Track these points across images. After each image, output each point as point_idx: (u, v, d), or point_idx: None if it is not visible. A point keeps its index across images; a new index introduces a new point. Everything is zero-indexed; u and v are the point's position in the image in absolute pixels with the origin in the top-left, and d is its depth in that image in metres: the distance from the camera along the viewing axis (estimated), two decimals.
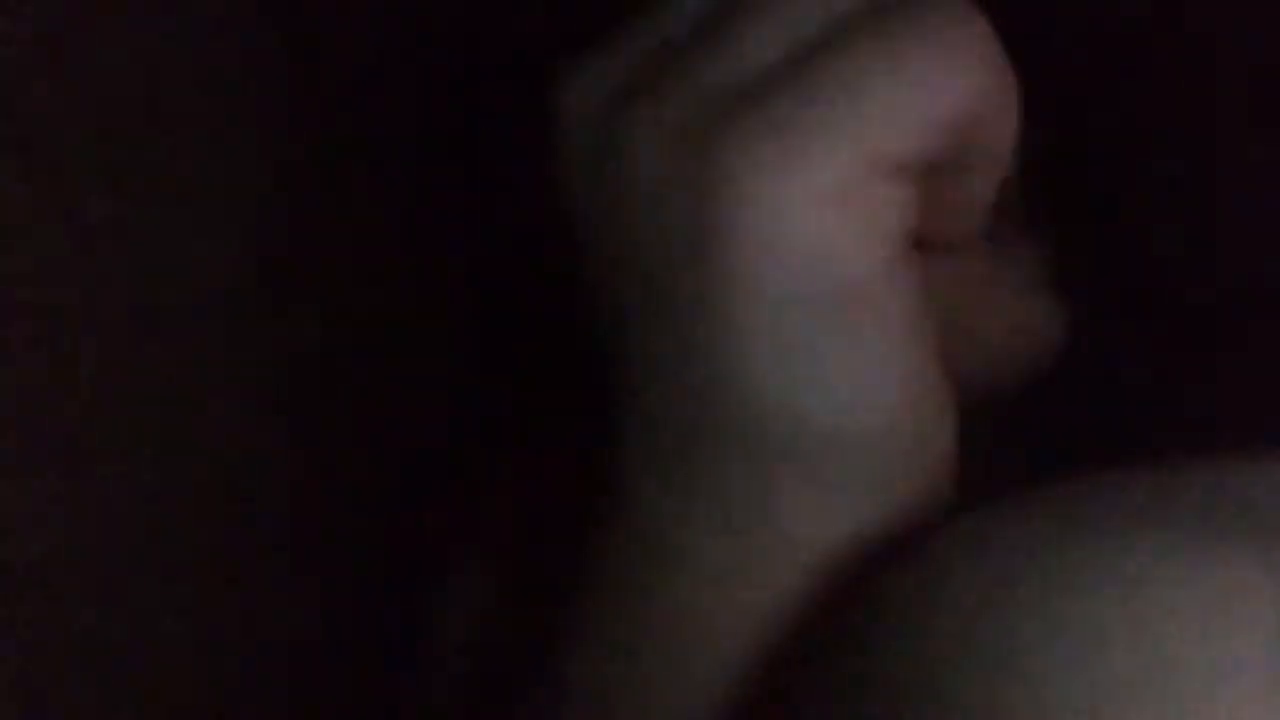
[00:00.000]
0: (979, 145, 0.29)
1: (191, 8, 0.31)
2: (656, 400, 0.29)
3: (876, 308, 0.28)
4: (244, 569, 0.35)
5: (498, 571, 0.44)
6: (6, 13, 0.26)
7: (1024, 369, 0.45)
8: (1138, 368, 0.59)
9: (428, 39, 0.43)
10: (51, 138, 0.28)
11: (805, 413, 0.28)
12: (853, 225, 0.27)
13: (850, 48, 0.27)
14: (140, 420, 0.31)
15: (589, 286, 0.31)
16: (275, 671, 0.37)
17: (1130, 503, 0.23)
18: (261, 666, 0.36)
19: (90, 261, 0.29)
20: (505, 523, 0.45)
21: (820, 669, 0.27)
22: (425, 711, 0.43)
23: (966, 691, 0.22)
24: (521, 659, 0.35)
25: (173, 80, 0.31)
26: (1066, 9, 0.49)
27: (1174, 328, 0.59)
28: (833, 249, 0.27)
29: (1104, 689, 0.21)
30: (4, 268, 0.27)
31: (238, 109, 0.33)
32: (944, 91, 0.27)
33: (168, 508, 0.33)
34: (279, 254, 0.35)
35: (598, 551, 0.31)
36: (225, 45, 0.33)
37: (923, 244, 0.30)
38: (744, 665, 0.29)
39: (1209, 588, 0.21)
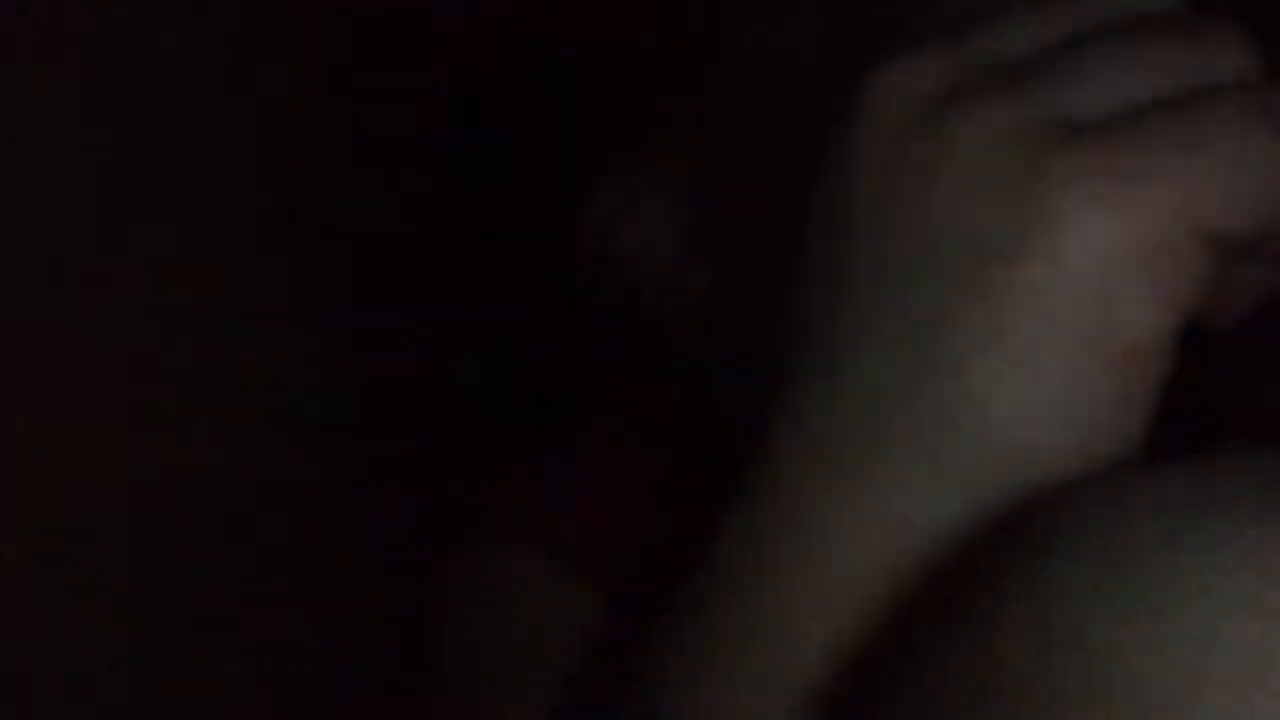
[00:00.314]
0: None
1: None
2: (856, 398, 0.29)
3: (1143, 373, 0.28)
4: (248, 567, 0.35)
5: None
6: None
7: None
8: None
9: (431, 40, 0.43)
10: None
11: (1024, 447, 0.27)
12: (1152, 288, 0.27)
13: (1203, 113, 0.27)
14: (143, 426, 0.31)
15: (796, 274, 0.31)
16: (277, 670, 0.37)
17: (1262, 480, 0.24)
18: (267, 665, 0.36)
19: (99, 259, 0.29)
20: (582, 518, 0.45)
21: (932, 639, 0.27)
22: (433, 711, 0.43)
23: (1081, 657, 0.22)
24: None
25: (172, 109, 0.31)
26: None
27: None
28: (1128, 306, 0.27)
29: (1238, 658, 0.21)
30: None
31: (242, 115, 0.33)
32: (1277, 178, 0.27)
33: (171, 511, 0.33)
34: (292, 252, 0.35)
35: (725, 536, 0.31)
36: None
37: None
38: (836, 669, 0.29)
39: None
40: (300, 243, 0.37)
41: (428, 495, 0.44)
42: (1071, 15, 0.30)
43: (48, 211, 0.28)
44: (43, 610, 0.29)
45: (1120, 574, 0.23)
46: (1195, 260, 0.27)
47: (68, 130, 0.28)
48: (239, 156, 0.33)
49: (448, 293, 0.46)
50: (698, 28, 0.55)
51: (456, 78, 0.44)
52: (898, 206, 0.29)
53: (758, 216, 0.56)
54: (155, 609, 0.33)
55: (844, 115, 0.30)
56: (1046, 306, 0.27)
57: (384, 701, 0.42)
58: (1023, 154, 0.28)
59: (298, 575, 0.37)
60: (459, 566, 0.45)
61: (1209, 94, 0.27)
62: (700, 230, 0.56)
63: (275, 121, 0.35)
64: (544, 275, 0.49)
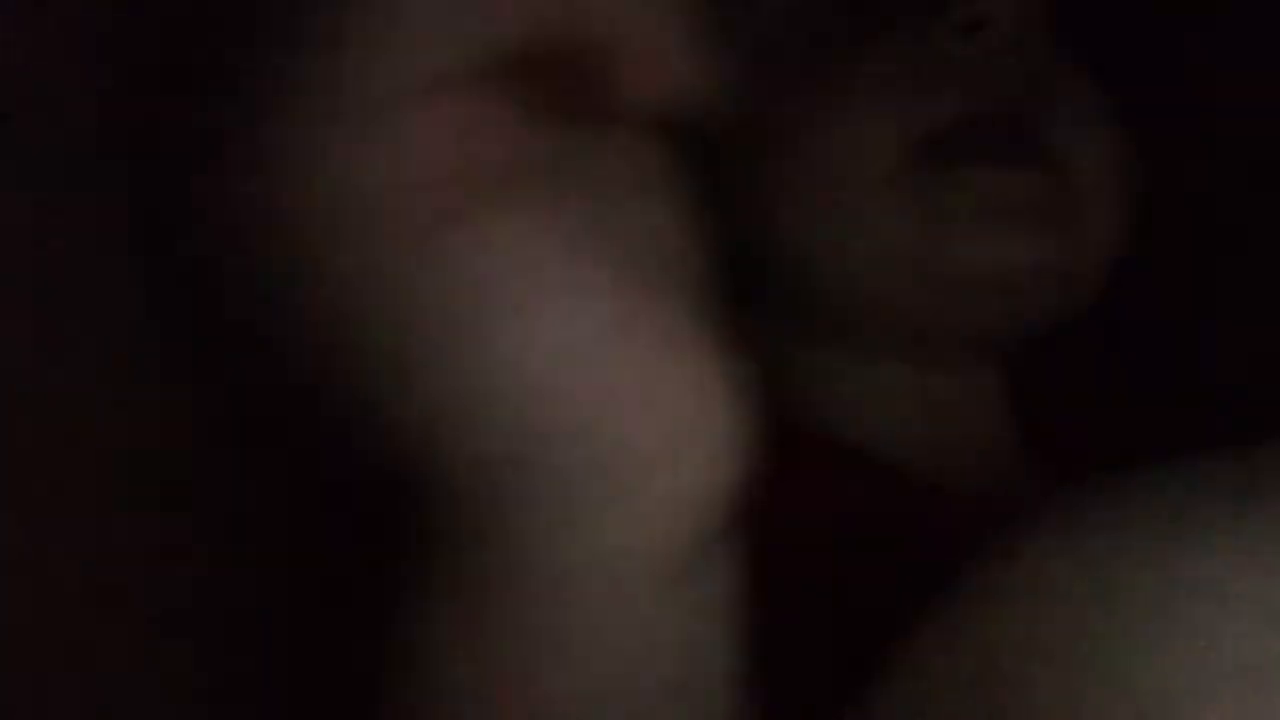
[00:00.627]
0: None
1: None
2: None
3: (473, 248, 0.24)
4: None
5: None
6: None
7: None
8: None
9: None
10: None
11: (488, 395, 0.24)
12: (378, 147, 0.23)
13: None
14: (75, 435, 0.30)
15: None
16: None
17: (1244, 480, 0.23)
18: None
19: None
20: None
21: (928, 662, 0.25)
22: None
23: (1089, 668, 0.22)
24: None
25: None
26: None
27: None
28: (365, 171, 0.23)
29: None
30: None
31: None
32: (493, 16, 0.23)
33: (107, 527, 0.31)
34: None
35: None
36: None
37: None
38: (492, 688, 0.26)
39: None
40: None
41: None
42: None
43: None
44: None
45: (1124, 580, 0.22)
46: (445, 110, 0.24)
47: None
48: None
49: None
50: None
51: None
52: None
53: (737, 174, 0.54)
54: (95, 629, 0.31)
55: None
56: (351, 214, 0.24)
57: None
58: None
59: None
60: None
61: None
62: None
63: None
64: None
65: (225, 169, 0.23)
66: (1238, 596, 0.20)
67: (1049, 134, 0.51)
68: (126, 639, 0.32)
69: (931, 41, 0.50)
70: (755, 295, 0.53)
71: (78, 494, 0.30)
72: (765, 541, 0.45)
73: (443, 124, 0.23)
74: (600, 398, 0.24)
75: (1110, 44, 0.55)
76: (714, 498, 0.25)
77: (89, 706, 0.31)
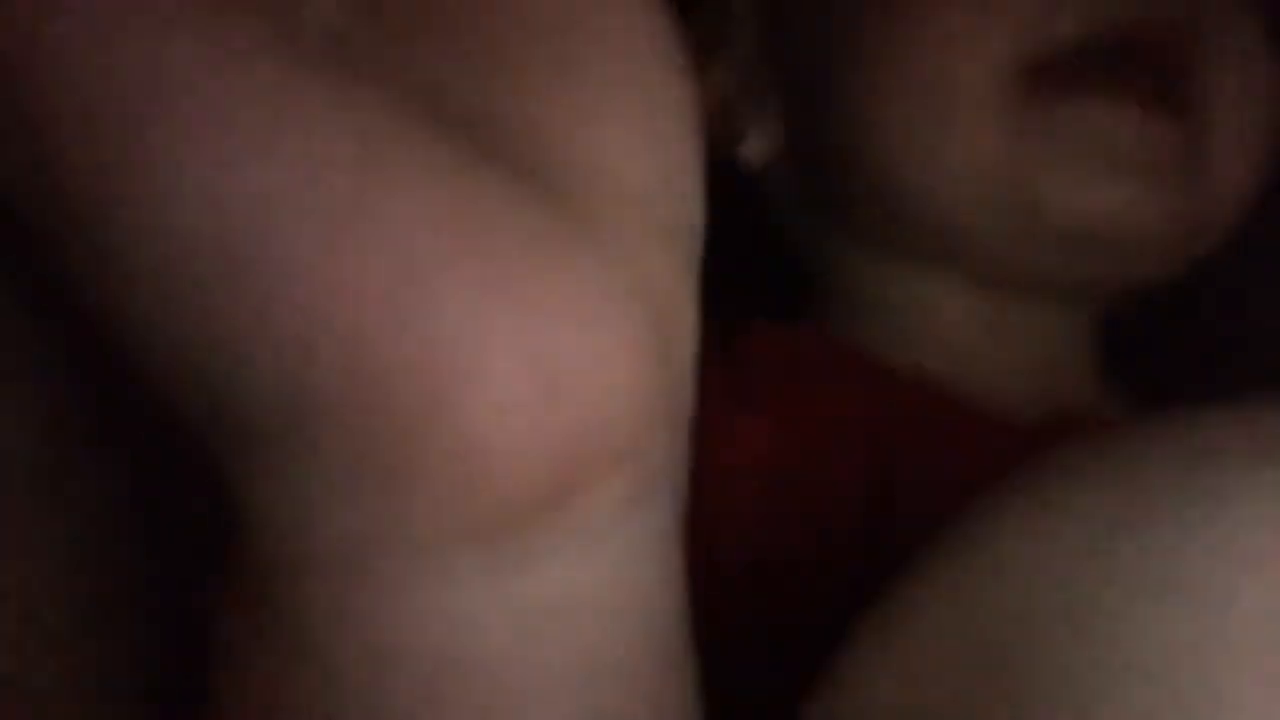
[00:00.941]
0: None
1: None
2: None
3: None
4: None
5: None
6: None
7: None
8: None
9: None
10: None
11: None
12: None
13: None
14: None
15: None
16: None
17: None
18: None
19: None
20: None
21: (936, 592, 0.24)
22: None
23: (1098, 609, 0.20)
24: None
25: None
26: None
27: None
28: None
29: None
30: None
31: None
32: None
33: None
34: None
35: None
36: None
37: None
38: None
39: None
40: None
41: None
42: None
43: None
44: None
45: (1124, 535, 0.20)
46: None
47: None
48: None
49: None
50: None
51: None
52: None
53: (826, 69, 0.51)
54: None
55: None
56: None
57: None
58: None
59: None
60: None
61: None
62: (769, 85, 0.52)
63: None
64: None
65: None
66: (1258, 553, 0.19)
67: (1193, 70, 0.46)
68: None
69: None
70: (836, 200, 0.51)
71: None
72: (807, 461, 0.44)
73: None
74: (344, 290, 0.17)
75: None
76: (554, 462, 0.19)
77: None
